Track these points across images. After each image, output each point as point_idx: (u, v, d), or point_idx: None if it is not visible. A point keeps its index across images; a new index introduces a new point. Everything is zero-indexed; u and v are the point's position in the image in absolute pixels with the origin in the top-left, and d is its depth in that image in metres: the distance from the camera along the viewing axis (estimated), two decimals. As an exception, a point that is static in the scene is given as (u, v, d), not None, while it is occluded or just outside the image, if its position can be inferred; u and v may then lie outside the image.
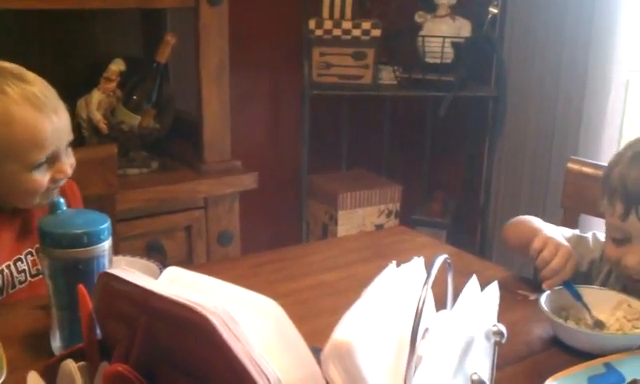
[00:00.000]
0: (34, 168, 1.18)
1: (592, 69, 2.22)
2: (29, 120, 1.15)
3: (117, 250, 1.36)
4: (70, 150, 1.25)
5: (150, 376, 0.67)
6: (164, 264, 1.23)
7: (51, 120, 1.17)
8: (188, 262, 2.00)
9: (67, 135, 1.23)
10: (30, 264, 1.27)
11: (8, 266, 1.24)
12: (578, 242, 1.30)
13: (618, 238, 1.17)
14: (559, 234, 1.27)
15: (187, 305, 0.61)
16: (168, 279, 0.75)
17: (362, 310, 0.76)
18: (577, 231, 1.36)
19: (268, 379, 0.61)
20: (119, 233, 1.63)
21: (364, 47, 2.42)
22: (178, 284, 0.73)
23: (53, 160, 1.20)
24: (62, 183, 1.25)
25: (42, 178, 1.20)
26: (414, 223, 2.60)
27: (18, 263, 1.25)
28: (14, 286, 1.24)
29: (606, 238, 1.22)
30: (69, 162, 1.24)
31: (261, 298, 0.68)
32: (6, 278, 1.23)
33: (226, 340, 0.59)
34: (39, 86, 1.19)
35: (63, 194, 1.30)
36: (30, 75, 1.20)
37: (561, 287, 1.17)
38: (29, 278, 1.26)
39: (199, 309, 0.61)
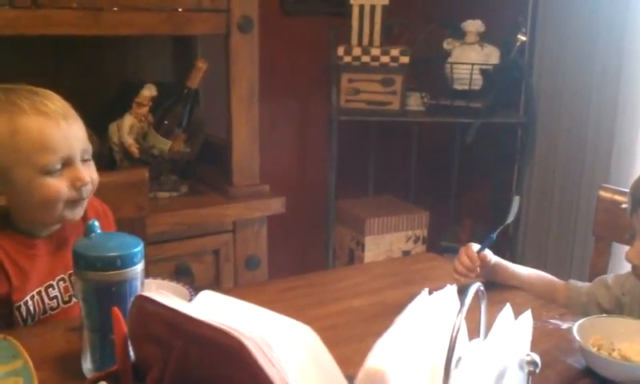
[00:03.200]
0: (47, 173, 1.17)
1: (623, 95, 2.21)
2: (35, 124, 1.17)
3: (146, 272, 1.37)
4: (91, 164, 1.25)
5: (183, 400, 0.67)
6: (192, 287, 1.23)
7: (59, 125, 1.18)
8: (215, 286, 2.01)
9: (81, 144, 1.22)
10: (62, 290, 1.27)
11: (39, 293, 1.24)
12: (598, 284, 1.39)
13: (630, 235, 1.26)
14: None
15: (222, 329, 0.62)
16: (203, 303, 0.75)
17: (395, 337, 0.76)
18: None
19: (302, 405, 0.61)
20: (148, 255, 1.64)
21: (392, 74, 2.43)
22: (213, 308, 0.73)
23: (67, 166, 1.20)
24: (85, 193, 1.22)
25: (58, 184, 1.18)
26: (442, 250, 2.58)
27: (50, 290, 1.25)
28: (45, 312, 1.24)
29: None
30: (87, 173, 1.22)
31: (296, 324, 0.68)
32: (36, 304, 1.23)
33: (261, 365, 0.59)
34: (50, 97, 1.21)
35: (98, 218, 1.31)
36: (46, 91, 1.22)
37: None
38: (61, 305, 1.26)
39: (235, 333, 0.61)
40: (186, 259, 1.96)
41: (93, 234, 1.03)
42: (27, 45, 1.89)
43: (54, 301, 1.26)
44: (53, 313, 1.26)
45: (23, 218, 1.24)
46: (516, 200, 1.43)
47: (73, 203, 1.22)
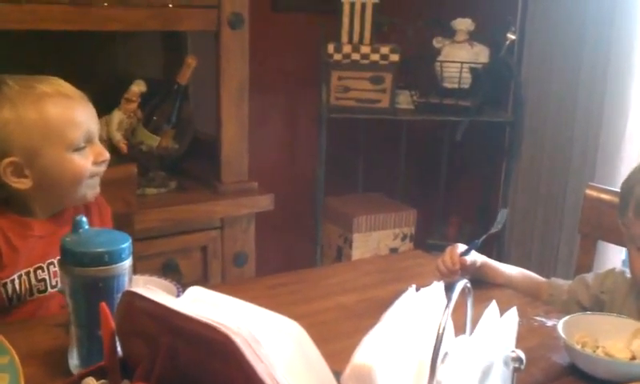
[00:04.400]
0: (75, 150, 1.23)
1: (609, 94, 2.22)
2: (63, 104, 1.23)
3: (134, 269, 1.37)
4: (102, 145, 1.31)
5: (171, 395, 0.67)
6: (180, 284, 1.23)
7: (81, 103, 1.25)
8: (203, 283, 2.00)
9: (96, 123, 1.29)
10: (51, 274, 1.27)
11: (27, 273, 1.25)
12: (578, 282, 1.40)
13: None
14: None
15: (211, 325, 0.62)
16: (191, 299, 0.75)
17: (382, 333, 0.76)
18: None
19: (289, 400, 0.61)
20: (136, 252, 1.63)
21: (382, 71, 2.43)
22: (201, 304, 0.74)
23: (89, 143, 1.25)
24: (102, 168, 1.28)
25: (85, 160, 1.24)
26: (430, 247, 2.59)
27: (39, 271, 1.26)
28: (31, 294, 1.25)
29: (631, 250, 1.26)
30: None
31: (283, 320, 0.69)
32: (23, 283, 1.24)
33: (249, 360, 0.60)
34: (62, 82, 1.27)
35: (99, 211, 1.37)
36: (52, 77, 1.28)
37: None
38: (49, 289, 1.27)
39: (223, 329, 0.61)
40: (173, 255, 1.96)
41: (80, 230, 1.03)
42: (13, 40, 1.87)
43: (42, 283, 1.26)
44: (40, 296, 1.26)
45: (43, 200, 1.26)
46: (502, 213, 1.46)
47: (93, 181, 1.28)
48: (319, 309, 1.31)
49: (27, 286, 1.25)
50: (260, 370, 0.60)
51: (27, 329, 1.16)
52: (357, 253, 2.56)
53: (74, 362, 1.01)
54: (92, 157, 1.26)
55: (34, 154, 1.21)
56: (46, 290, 1.27)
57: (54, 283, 1.27)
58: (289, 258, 2.72)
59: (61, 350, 1.04)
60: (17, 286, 1.24)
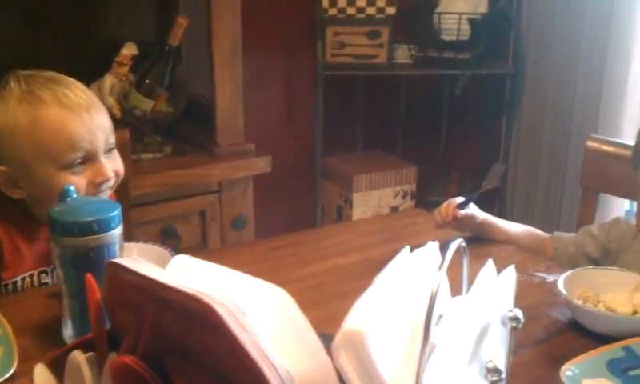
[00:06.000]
0: (68, 168, 1.13)
1: (612, 45, 2.18)
2: (58, 118, 1.12)
3: (131, 235, 1.35)
4: (115, 153, 1.21)
5: (158, 366, 0.66)
6: (178, 249, 1.22)
7: (82, 118, 1.13)
8: (202, 247, 2.00)
9: (106, 136, 1.17)
10: (54, 278, 1.23)
11: (31, 276, 1.22)
12: (583, 233, 1.38)
13: None
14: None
15: (193, 295, 0.60)
16: (176, 268, 0.73)
17: (374, 297, 0.74)
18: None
19: (276, 370, 0.60)
20: (133, 218, 1.62)
21: (379, 26, 2.39)
22: (186, 273, 0.72)
23: (89, 161, 1.16)
24: (105, 187, 1.18)
25: (79, 179, 1.14)
26: (431, 204, 2.57)
27: (42, 275, 1.23)
28: None
29: None
30: (111, 166, 1.18)
31: (270, 287, 0.67)
32: (25, 285, 1.21)
33: (233, 330, 0.58)
34: (72, 87, 1.16)
35: None
36: (65, 78, 1.17)
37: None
38: None
39: (205, 299, 0.59)
40: (171, 221, 1.95)
41: (68, 199, 1.01)
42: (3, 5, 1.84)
43: (44, 287, 1.23)
44: None
45: (40, 209, 1.19)
46: (495, 167, 1.44)
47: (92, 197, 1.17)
48: (317, 271, 1.30)
49: (29, 288, 1.22)
50: (244, 339, 0.58)
51: (21, 300, 1.15)
52: (357, 212, 2.55)
53: (67, 332, 1.00)
54: (88, 176, 1.15)
55: (25, 167, 1.14)
56: None
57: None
58: (289, 219, 2.70)
59: (55, 321, 1.03)
60: (19, 288, 1.21)
